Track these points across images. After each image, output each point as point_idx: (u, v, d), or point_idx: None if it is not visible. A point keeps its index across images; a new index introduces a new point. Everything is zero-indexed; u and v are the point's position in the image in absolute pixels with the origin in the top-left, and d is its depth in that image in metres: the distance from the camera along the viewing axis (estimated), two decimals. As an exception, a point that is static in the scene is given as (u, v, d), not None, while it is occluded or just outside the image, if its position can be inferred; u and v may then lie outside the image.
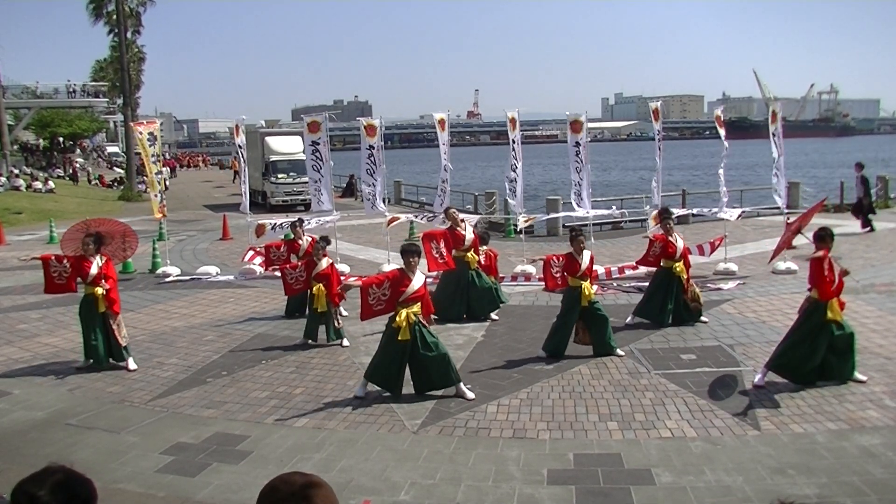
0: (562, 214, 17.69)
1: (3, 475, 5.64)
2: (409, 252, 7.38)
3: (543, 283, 9.09)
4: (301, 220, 11.60)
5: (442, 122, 14.77)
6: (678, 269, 9.71)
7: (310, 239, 10.94)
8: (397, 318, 7.20)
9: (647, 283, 11.09)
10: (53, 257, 8.43)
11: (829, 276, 7.13)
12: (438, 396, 7.31)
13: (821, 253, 7.10)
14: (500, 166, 14.31)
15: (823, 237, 7.25)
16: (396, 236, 15.69)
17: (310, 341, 9.39)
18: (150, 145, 14.18)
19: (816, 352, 7.14)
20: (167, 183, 36.16)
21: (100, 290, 8.49)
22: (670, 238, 9.75)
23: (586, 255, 8.53)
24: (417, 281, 7.30)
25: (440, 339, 7.54)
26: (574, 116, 13.82)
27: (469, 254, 10.64)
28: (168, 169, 42.21)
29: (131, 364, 8.61)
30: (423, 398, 7.28)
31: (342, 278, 10.78)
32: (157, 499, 5.37)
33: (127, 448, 6.30)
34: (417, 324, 7.29)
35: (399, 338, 7.17)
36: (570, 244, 8.64)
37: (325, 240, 9.89)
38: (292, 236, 11.83)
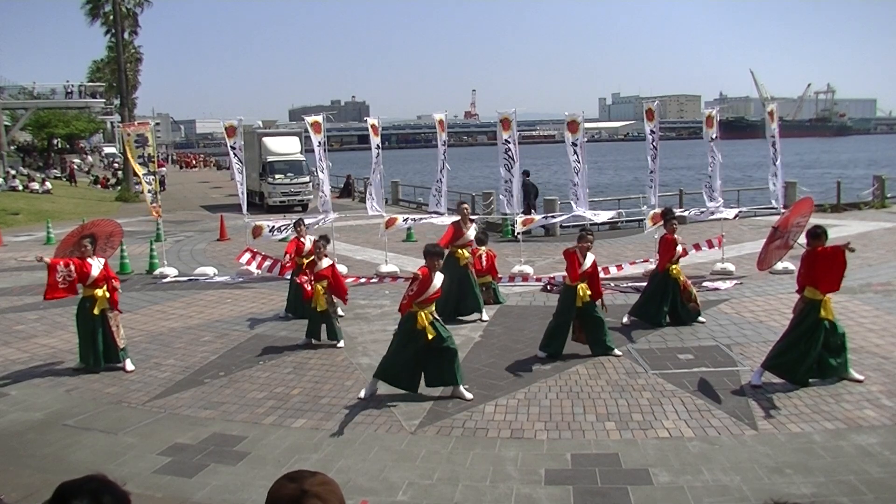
0: (564, 215, 17.68)
1: (0, 476, 5.65)
2: (435, 254, 7.45)
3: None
4: (302, 220, 11.58)
5: (441, 123, 14.76)
6: (675, 271, 9.73)
7: (312, 239, 10.95)
8: (419, 320, 7.20)
9: (643, 284, 11.12)
10: (62, 262, 8.42)
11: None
12: (436, 397, 7.31)
13: (841, 246, 7.04)
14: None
15: (818, 234, 7.24)
16: (394, 236, 15.71)
17: (313, 341, 9.40)
18: (137, 147, 14.15)
19: (812, 351, 7.15)
20: (165, 183, 36.16)
21: (99, 292, 8.51)
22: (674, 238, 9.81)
23: (590, 257, 8.50)
24: (437, 282, 7.35)
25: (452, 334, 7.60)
26: (571, 117, 13.78)
27: (460, 250, 10.70)
28: (164, 169, 42.17)
29: (129, 365, 8.61)
30: (421, 399, 7.28)
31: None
32: (155, 500, 5.36)
33: (124, 449, 6.29)
34: (434, 321, 7.35)
35: (429, 337, 7.18)
36: (576, 243, 8.62)
37: (325, 238, 9.89)
38: (293, 236, 11.80)
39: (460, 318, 10.44)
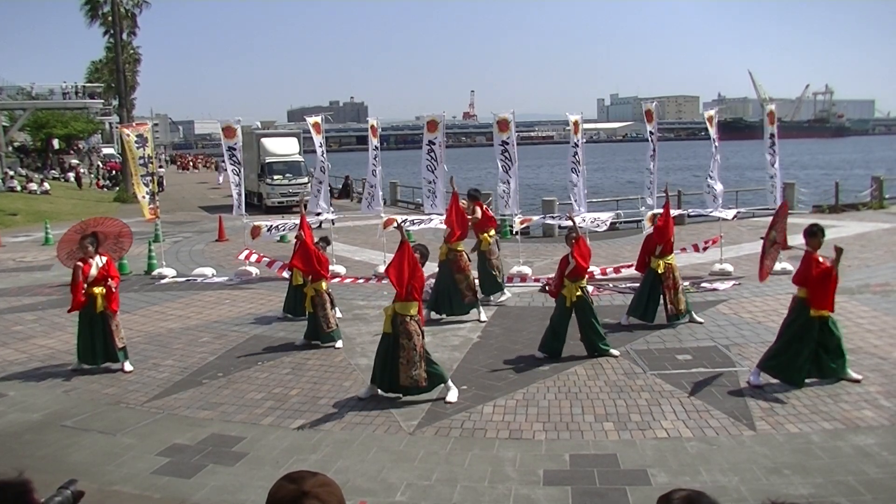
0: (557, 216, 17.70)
1: (-2, 477, 5.63)
2: (423, 256, 7.64)
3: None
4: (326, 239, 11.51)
5: (432, 123, 14.51)
6: (655, 265, 9.78)
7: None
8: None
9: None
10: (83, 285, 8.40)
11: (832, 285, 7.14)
12: (434, 398, 7.31)
13: (827, 263, 7.05)
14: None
15: (815, 233, 7.24)
16: (392, 237, 15.67)
17: (313, 342, 9.40)
18: (137, 147, 14.11)
19: (805, 351, 7.14)
20: (164, 183, 36.13)
21: (97, 290, 8.48)
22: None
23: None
24: None
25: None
26: (574, 118, 13.76)
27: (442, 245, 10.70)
28: (162, 170, 42.14)
29: (127, 366, 8.60)
30: (419, 399, 7.28)
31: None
32: (153, 500, 5.36)
33: (123, 450, 6.29)
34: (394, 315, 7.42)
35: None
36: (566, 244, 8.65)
37: (325, 240, 9.87)
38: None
39: (455, 317, 10.44)
